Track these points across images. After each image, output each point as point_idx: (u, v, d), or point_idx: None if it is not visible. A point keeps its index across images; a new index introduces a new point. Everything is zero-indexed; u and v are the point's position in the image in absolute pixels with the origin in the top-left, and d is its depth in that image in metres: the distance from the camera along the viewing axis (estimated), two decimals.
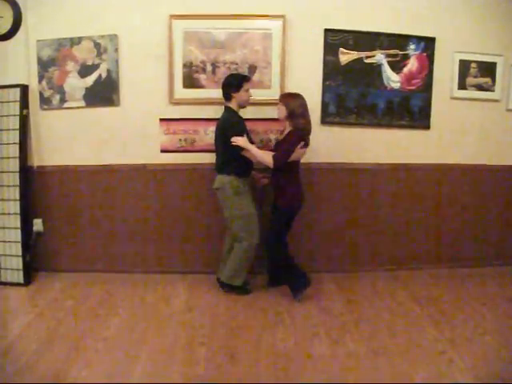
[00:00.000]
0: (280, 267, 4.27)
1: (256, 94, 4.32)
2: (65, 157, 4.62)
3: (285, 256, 4.20)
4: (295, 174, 4.14)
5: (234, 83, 4.09)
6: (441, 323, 3.76)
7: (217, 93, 4.26)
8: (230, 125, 4.06)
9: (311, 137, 4.26)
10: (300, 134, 3.97)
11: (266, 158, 3.96)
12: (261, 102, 4.48)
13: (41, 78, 4.53)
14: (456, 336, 3.55)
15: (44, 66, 4.51)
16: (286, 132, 4.10)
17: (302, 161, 4.44)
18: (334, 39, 4.49)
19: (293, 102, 3.96)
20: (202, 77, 4.49)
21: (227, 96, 4.12)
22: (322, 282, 4.55)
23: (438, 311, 3.98)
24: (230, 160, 4.09)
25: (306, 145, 4.08)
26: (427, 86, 4.65)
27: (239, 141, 3.95)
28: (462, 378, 3.02)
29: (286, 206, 4.12)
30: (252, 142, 4.17)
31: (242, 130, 4.06)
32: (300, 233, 4.70)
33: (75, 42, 4.47)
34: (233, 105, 4.13)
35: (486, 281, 4.65)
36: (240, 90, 4.08)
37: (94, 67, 4.49)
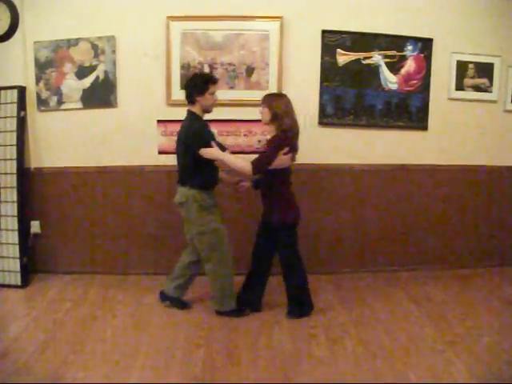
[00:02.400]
0: (301, 290, 3.91)
1: (253, 95, 4.32)
2: (62, 158, 4.62)
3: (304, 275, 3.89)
4: (288, 185, 3.81)
5: (199, 85, 3.67)
6: (439, 324, 3.76)
7: None
8: (193, 134, 3.64)
9: (308, 138, 4.28)
10: (284, 137, 3.62)
11: (244, 165, 3.56)
12: (258, 103, 4.47)
13: (38, 80, 4.52)
14: (455, 337, 3.55)
15: (41, 67, 4.50)
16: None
17: (301, 161, 4.43)
18: (332, 40, 4.49)
19: (276, 103, 3.65)
20: None
21: (190, 99, 3.71)
22: (320, 283, 4.54)
23: (436, 312, 3.98)
24: (194, 172, 3.68)
25: (295, 150, 3.74)
26: (425, 87, 4.65)
27: (208, 153, 3.59)
28: (460, 378, 3.01)
29: (293, 220, 3.77)
30: (223, 148, 3.80)
31: (208, 140, 3.64)
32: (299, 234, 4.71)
33: (72, 43, 4.46)
34: (196, 109, 3.72)
35: (486, 282, 4.66)
36: (205, 93, 3.67)
37: (92, 69, 4.49)
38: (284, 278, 3.88)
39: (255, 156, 3.65)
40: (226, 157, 3.65)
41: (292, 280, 3.86)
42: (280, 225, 3.76)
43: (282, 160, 3.60)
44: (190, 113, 3.75)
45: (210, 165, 3.69)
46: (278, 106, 3.63)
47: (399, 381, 3.00)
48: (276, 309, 4.01)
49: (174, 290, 4.02)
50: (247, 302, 3.94)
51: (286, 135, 3.63)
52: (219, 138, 4.13)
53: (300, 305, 3.90)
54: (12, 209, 4.46)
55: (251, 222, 4.08)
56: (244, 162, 3.58)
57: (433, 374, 3.08)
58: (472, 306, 4.11)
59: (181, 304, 4.02)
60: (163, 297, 4.07)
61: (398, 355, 3.29)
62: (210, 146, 3.61)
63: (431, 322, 3.80)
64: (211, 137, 3.74)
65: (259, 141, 4.55)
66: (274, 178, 3.69)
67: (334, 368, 3.16)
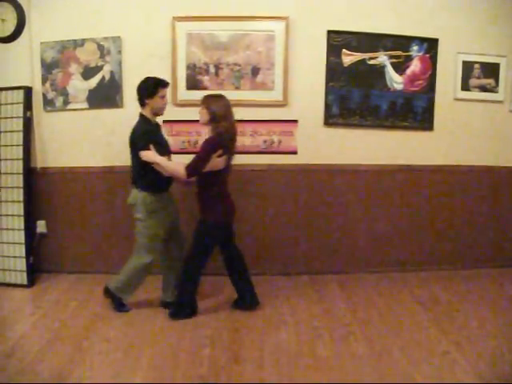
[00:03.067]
0: (183, 290, 3.87)
1: (259, 95, 4.32)
2: (68, 158, 4.64)
3: (197, 280, 3.88)
4: (221, 187, 3.81)
5: (148, 89, 3.72)
6: (444, 324, 3.75)
7: None
8: (137, 136, 3.71)
9: (314, 137, 4.29)
10: (219, 140, 3.60)
11: (178, 169, 3.60)
12: (264, 103, 4.49)
13: (44, 80, 4.55)
14: (460, 337, 3.54)
15: (47, 67, 4.52)
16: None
17: (305, 161, 4.45)
18: (337, 40, 4.49)
19: (214, 104, 3.65)
20: (205, 78, 4.50)
21: (141, 102, 3.77)
22: (326, 283, 4.55)
23: (441, 312, 3.98)
24: (143, 174, 3.74)
25: (230, 153, 3.74)
26: (430, 88, 4.64)
27: (145, 155, 3.63)
28: (466, 379, 3.01)
29: (215, 221, 3.77)
30: (169, 152, 3.93)
31: (147, 142, 3.66)
32: (303, 234, 4.71)
33: (78, 44, 4.48)
34: (146, 112, 3.78)
35: (491, 282, 4.64)
36: (154, 97, 3.72)
37: (98, 69, 4.51)
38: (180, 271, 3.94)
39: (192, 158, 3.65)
40: (160, 160, 3.66)
41: (183, 279, 3.87)
42: (201, 221, 3.79)
43: (215, 162, 3.62)
44: (140, 115, 3.81)
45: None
46: (216, 108, 3.64)
47: (404, 381, 3.00)
48: (281, 309, 4.02)
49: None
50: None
51: (221, 138, 3.63)
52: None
53: (179, 305, 3.88)
54: (18, 208, 4.48)
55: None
56: (178, 166, 3.62)
57: (438, 374, 3.07)
58: (477, 306, 4.10)
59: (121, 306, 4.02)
60: (105, 291, 4.05)
61: (404, 355, 3.28)
62: (148, 149, 3.64)
63: (436, 322, 3.79)
64: (151, 140, 3.71)
65: (265, 141, 4.55)
66: (208, 178, 3.70)
67: (339, 368, 3.16)
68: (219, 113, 3.62)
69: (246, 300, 4.02)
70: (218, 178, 3.75)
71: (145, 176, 3.74)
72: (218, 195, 3.78)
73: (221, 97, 3.76)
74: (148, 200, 3.75)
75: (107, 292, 3.98)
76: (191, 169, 3.57)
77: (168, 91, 4.40)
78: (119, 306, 3.97)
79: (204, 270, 3.88)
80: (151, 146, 3.66)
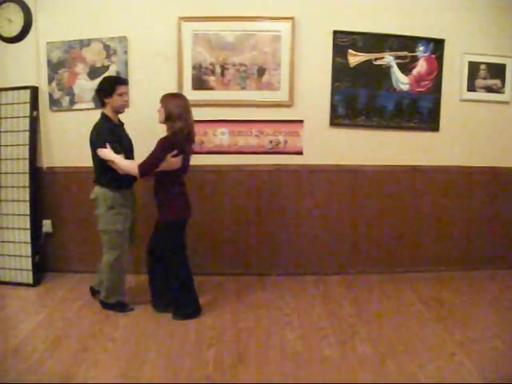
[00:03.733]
0: (177, 290, 3.84)
1: (265, 95, 4.32)
2: (74, 158, 4.64)
3: (187, 277, 3.87)
4: (177, 186, 3.79)
5: (106, 87, 3.78)
6: (450, 325, 3.74)
7: (226, 95, 4.28)
8: (95, 134, 3.77)
9: (320, 138, 4.28)
10: (173, 140, 3.60)
11: (131, 167, 3.63)
12: (270, 103, 4.49)
13: (51, 80, 4.56)
14: (465, 338, 3.53)
15: (54, 67, 4.54)
16: None
17: (311, 162, 4.45)
18: (343, 41, 4.49)
19: (171, 103, 3.63)
20: (211, 79, 4.50)
21: (101, 101, 3.85)
22: (331, 284, 4.55)
23: (446, 313, 3.97)
24: (102, 170, 3.79)
25: (186, 153, 3.72)
26: (436, 88, 4.63)
27: (101, 153, 3.68)
28: (470, 379, 3.00)
29: (170, 219, 3.78)
30: (131, 151, 3.96)
31: (104, 141, 3.70)
32: (308, 234, 4.71)
33: (85, 44, 4.49)
34: (107, 111, 3.83)
35: (496, 283, 4.63)
36: (113, 95, 3.75)
37: (104, 69, 4.52)
38: (152, 272, 3.97)
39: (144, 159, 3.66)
40: (115, 158, 3.68)
41: (172, 279, 3.86)
42: (162, 221, 3.80)
43: (170, 162, 3.62)
44: (101, 114, 3.87)
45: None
46: (172, 107, 3.62)
47: (409, 381, 2.99)
48: (286, 309, 4.02)
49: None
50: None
51: (174, 138, 3.62)
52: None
53: (179, 306, 3.87)
54: (24, 208, 4.50)
55: None
56: (131, 165, 3.66)
57: (443, 374, 3.07)
58: (482, 307, 4.09)
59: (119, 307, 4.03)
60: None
61: (408, 356, 3.28)
62: (104, 147, 3.68)
63: (441, 323, 3.78)
64: (108, 138, 3.74)
65: (271, 141, 4.56)
66: (164, 177, 3.71)
67: (344, 368, 3.15)
68: (174, 112, 3.60)
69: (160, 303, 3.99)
70: (175, 177, 3.75)
71: (105, 173, 3.78)
72: (175, 194, 3.78)
73: (179, 96, 3.78)
74: (108, 196, 3.81)
75: (106, 305, 3.99)
76: (143, 167, 3.60)
77: (174, 91, 4.42)
78: (119, 307, 3.97)
79: (191, 268, 3.90)
80: (107, 145, 3.69)
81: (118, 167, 3.69)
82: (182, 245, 3.89)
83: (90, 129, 4.24)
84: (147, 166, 3.60)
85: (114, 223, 3.84)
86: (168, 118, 3.63)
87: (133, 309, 3.99)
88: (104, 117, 3.84)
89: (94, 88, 4.47)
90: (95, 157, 3.80)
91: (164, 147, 3.60)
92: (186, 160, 3.77)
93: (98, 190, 3.85)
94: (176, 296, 3.85)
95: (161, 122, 3.74)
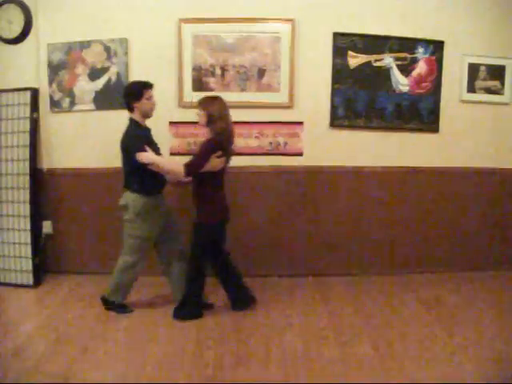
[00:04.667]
0: (188, 291, 3.89)
1: (265, 97, 4.33)
2: (74, 159, 4.65)
3: (201, 281, 3.89)
4: (217, 188, 3.83)
5: (134, 92, 3.78)
6: (450, 327, 3.74)
7: (226, 96, 4.25)
8: (129, 140, 3.75)
9: (320, 139, 4.29)
10: (218, 140, 3.67)
11: (176, 167, 3.66)
12: (270, 105, 4.50)
13: (51, 81, 4.57)
14: (466, 340, 3.52)
15: (54, 69, 4.54)
16: None
17: (311, 163, 4.45)
18: (343, 42, 4.50)
19: (211, 106, 3.69)
20: (212, 80, 4.51)
21: (128, 107, 3.81)
22: (331, 285, 4.55)
23: (447, 314, 3.97)
24: (134, 176, 3.79)
25: (228, 153, 3.79)
26: (436, 89, 4.64)
27: (142, 157, 3.64)
28: (471, 380, 3.00)
29: (207, 222, 3.80)
30: (158, 154, 3.90)
31: (142, 144, 3.69)
32: (308, 236, 4.71)
33: (85, 45, 4.50)
34: (136, 116, 3.82)
35: (497, 285, 4.63)
36: (141, 99, 3.75)
37: (104, 70, 4.53)
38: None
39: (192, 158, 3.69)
40: (159, 160, 3.72)
41: (189, 282, 3.89)
42: (197, 223, 3.82)
43: (214, 163, 3.67)
44: (129, 119, 3.84)
45: (148, 170, 3.71)
46: (213, 109, 3.68)
47: (409, 382, 2.99)
48: (286, 310, 4.02)
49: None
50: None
51: (219, 138, 3.69)
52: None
53: (185, 306, 3.88)
54: (24, 209, 4.50)
55: None
56: (177, 165, 3.67)
57: (443, 376, 3.06)
58: (483, 309, 4.08)
59: (121, 308, 4.02)
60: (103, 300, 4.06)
61: (409, 357, 3.28)
62: (144, 151, 3.66)
63: (442, 324, 3.78)
64: (146, 142, 3.77)
65: (271, 142, 4.56)
66: (204, 179, 3.73)
67: (345, 369, 3.15)
68: (215, 114, 3.66)
69: (245, 300, 4.03)
70: (214, 178, 3.77)
71: (137, 179, 3.78)
72: (214, 196, 3.81)
73: (217, 98, 3.80)
74: (138, 202, 3.79)
75: (104, 301, 4.01)
76: (190, 167, 3.60)
77: (174, 93, 4.44)
78: (119, 308, 3.97)
79: (207, 271, 3.90)
80: (147, 147, 3.69)
81: (162, 168, 3.72)
82: (209, 250, 3.91)
83: (90, 129, 4.28)
84: (194, 166, 3.62)
85: (142, 229, 3.84)
86: (210, 121, 3.68)
87: (132, 310, 3.99)
88: (134, 122, 3.82)
89: (95, 89, 4.52)
90: (128, 162, 3.78)
91: (211, 148, 3.65)
92: (227, 161, 3.82)
93: (128, 197, 3.83)
94: (184, 295, 3.88)
95: (202, 126, 3.78)
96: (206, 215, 3.79)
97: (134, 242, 3.87)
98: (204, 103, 3.74)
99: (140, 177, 3.76)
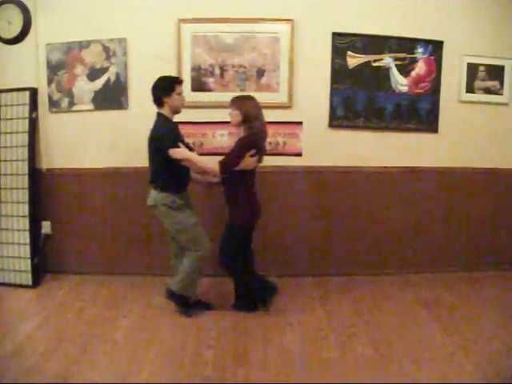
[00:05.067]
0: (248, 285, 3.98)
1: (264, 97, 4.33)
2: (73, 160, 4.65)
3: (247, 271, 3.97)
4: (250, 187, 3.85)
5: (165, 87, 3.71)
6: (450, 327, 3.75)
7: (225, 96, 4.26)
8: (160, 136, 3.67)
9: (319, 139, 4.28)
10: (253, 139, 3.69)
11: (211, 164, 3.64)
12: (269, 105, 4.48)
13: (50, 82, 4.56)
14: (465, 340, 3.53)
15: (53, 69, 4.54)
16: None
17: (310, 163, 4.45)
18: (342, 43, 4.50)
19: (246, 105, 3.71)
20: (211, 80, 4.51)
21: (158, 101, 3.74)
22: (330, 285, 4.55)
23: (446, 315, 3.97)
24: (162, 174, 3.74)
25: (262, 152, 3.81)
26: (435, 90, 4.64)
27: (176, 153, 3.60)
28: (470, 380, 3.00)
29: (241, 221, 3.82)
30: (190, 149, 3.85)
31: (175, 141, 3.67)
32: (307, 236, 4.71)
33: (84, 45, 4.49)
34: (165, 111, 3.75)
35: (496, 285, 4.63)
36: (172, 94, 3.70)
37: (103, 70, 4.52)
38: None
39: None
40: (195, 157, 3.70)
41: (235, 275, 3.97)
42: (231, 222, 3.83)
43: (248, 161, 3.68)
44: (158, 115, 3.78)
45: (179, 166, 3.69)
46: (249, 109, 3.70)
47: (409, 382, 3.00)
48: (287, 311, 4.02)
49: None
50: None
51: (254, 137, 3.71)
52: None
53: (241, 298, 4.01)
54: (23, 209, 4.49)
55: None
56: (212, 162, 3.65)
57: (443, 376, 3.07)
58: (482, 309, 4.09)
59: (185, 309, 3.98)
60: (170, 295, 3.96)
61: (408, 357, 3.28)
62: (177, 147, 3.65)
63: (441, 325, 3.78)
64: (178, 138, 3.76)
65: (270, 143, 4.55)
66: (237, 178, 3.74)
67: (344, 370, 3.15)
68: (252, 113, 3.68)
69: (268, 293, 4.02)
70: (247, 177, 3.80)
71: (166, 176, 3.74)
72: (246, 195, 3.83)
73: (251, 97, 3.82)
74: (168, 200, 3.73)
75: (170, 295, 3.90)
76: (225, 164, 3.61)
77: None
78: (185, 306, 3.92)
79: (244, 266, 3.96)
80: (180, 144, 3.68)
81: (197, 165, 3.70)
82: (244, 247, 3.96)
83: (90, 129, 4.27)
84: (229, 164, 3.62)
85: (186, 218, 3.79)
86: (246, 120, 3.69)
87: (191, 315, 3.91)
88: (164, 117, 3.75)
89: (94, 90, 4.51)
90: (156, 159, 3.75)
91: (246, 146, 3.66)
92: (260, 160, 3.84)
93: (155, 196, 3.77)
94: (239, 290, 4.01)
95: (234, 125, 3.81)
96: (241, 217, 3.81)
97: (188, 232, 3.80)
98: (238, 102, 3.75)
99: (167, 173, 3.72)
